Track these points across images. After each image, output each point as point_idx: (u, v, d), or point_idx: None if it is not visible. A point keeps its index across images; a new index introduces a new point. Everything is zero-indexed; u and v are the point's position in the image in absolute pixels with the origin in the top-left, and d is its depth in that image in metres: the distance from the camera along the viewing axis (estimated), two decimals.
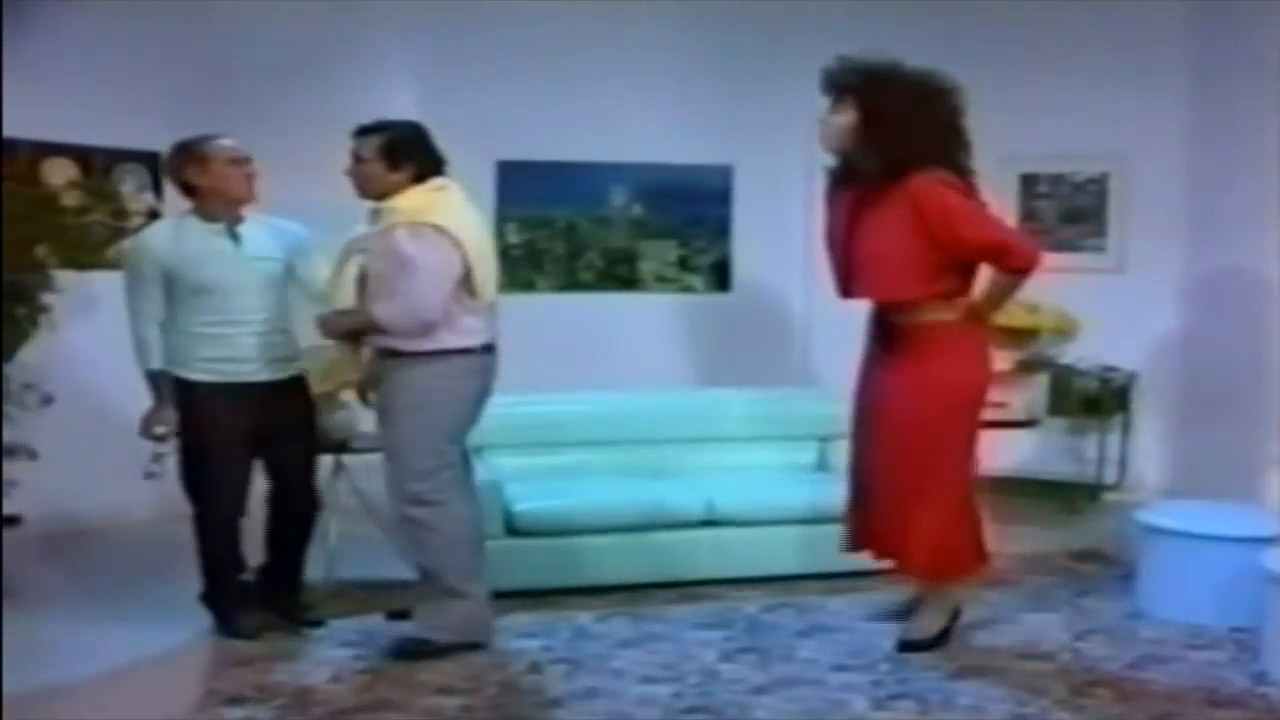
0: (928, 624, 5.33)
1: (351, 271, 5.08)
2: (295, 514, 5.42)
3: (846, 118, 5.07)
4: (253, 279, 5.18)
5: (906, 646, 5.25)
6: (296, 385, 5.33)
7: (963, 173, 5.18)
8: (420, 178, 5.06)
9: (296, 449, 5.38)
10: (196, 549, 5.31)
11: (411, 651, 5.10)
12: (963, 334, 5.15)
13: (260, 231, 5.26)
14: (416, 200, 5.02)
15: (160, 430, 5.16)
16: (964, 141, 5.21)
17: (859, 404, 5.39)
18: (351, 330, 5.11)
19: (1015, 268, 5.06)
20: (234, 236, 5.19)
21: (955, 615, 5.40)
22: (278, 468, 5.36)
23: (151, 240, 5.26)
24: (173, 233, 5.21)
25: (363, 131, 5.11)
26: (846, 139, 5.11)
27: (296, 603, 5.51)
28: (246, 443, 5.23)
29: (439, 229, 4.95)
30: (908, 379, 5.15)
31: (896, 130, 5.01)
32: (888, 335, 5.22)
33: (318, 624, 5.44)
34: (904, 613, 5.48)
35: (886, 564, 5.48)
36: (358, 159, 5.09)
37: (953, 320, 5.12)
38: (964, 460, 5.26)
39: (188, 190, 5.22)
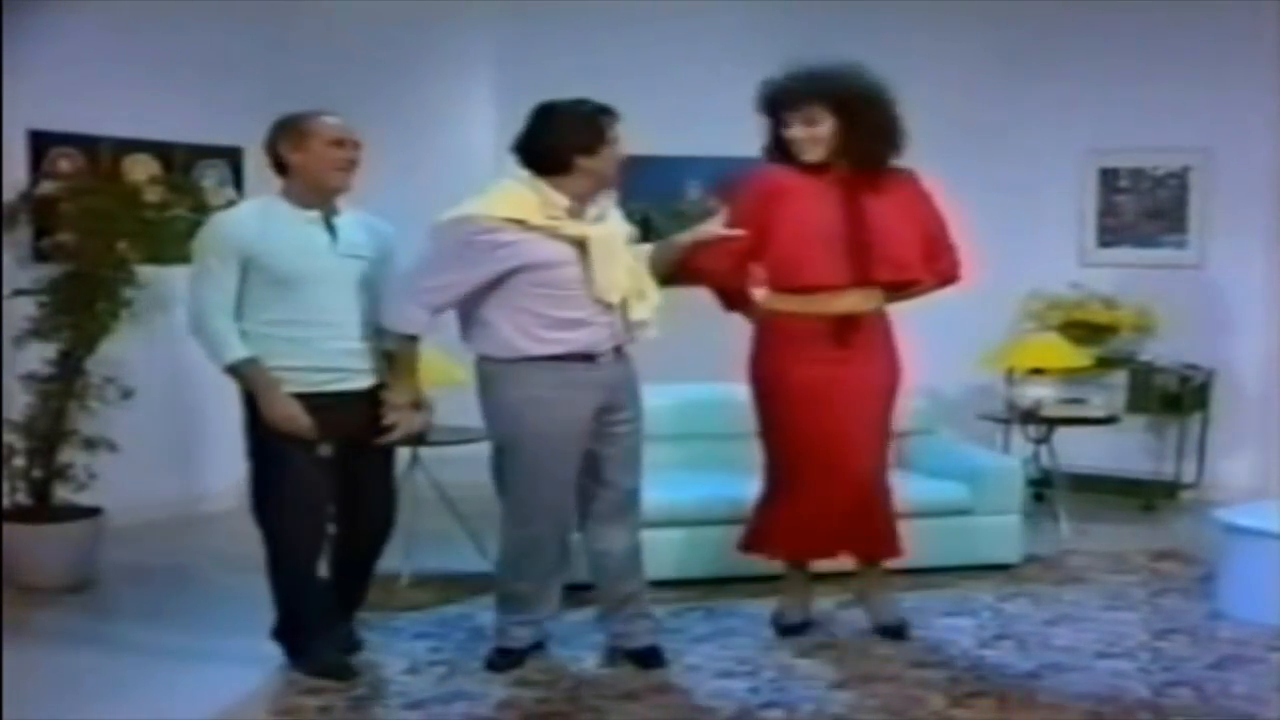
0: (896, 602, 5.40)
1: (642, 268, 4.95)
2: (366, 539, 4.96)
3: (825, 128, 5.03)
4: (344, 277, 4.67)
5: (897, 632, 5.30)
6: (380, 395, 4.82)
7: None
8: None
9: (377, 466, 4.91)
10: (270, 583, 4.81)
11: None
12: (888, 321, 5.25)
13: (355, 226, 4.78)
14: None
15: (304, 430, 4.60)
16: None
17: (806, 401, 5.09)
18: None
19: (951, 275, 5.26)
20: (330, 228, 4.70)
21: None
22: (353, 484, 4.85)
23: (231, 221, 4.73)
24: (258, 215, 4.68)
25: (612, 112, 4.74)
26: (828, 146, 5.05)
27: (349, 634, 5.09)
28: (325, 462, 4.74)
29: None
30: (873, 366, 5.14)
31: (880, 130, 5.08)
32: (839, 328, 5.06)
33: (353, 650, 5.06)
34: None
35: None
36: (619, 144, 4.72)
37: (883, 309, 5.21)
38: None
39: (281, 168, 4.70)
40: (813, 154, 5.06)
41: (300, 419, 4.58)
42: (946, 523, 6.18)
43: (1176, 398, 7.90)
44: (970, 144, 8.13)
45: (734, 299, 5.31)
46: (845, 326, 5.05)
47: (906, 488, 5.91)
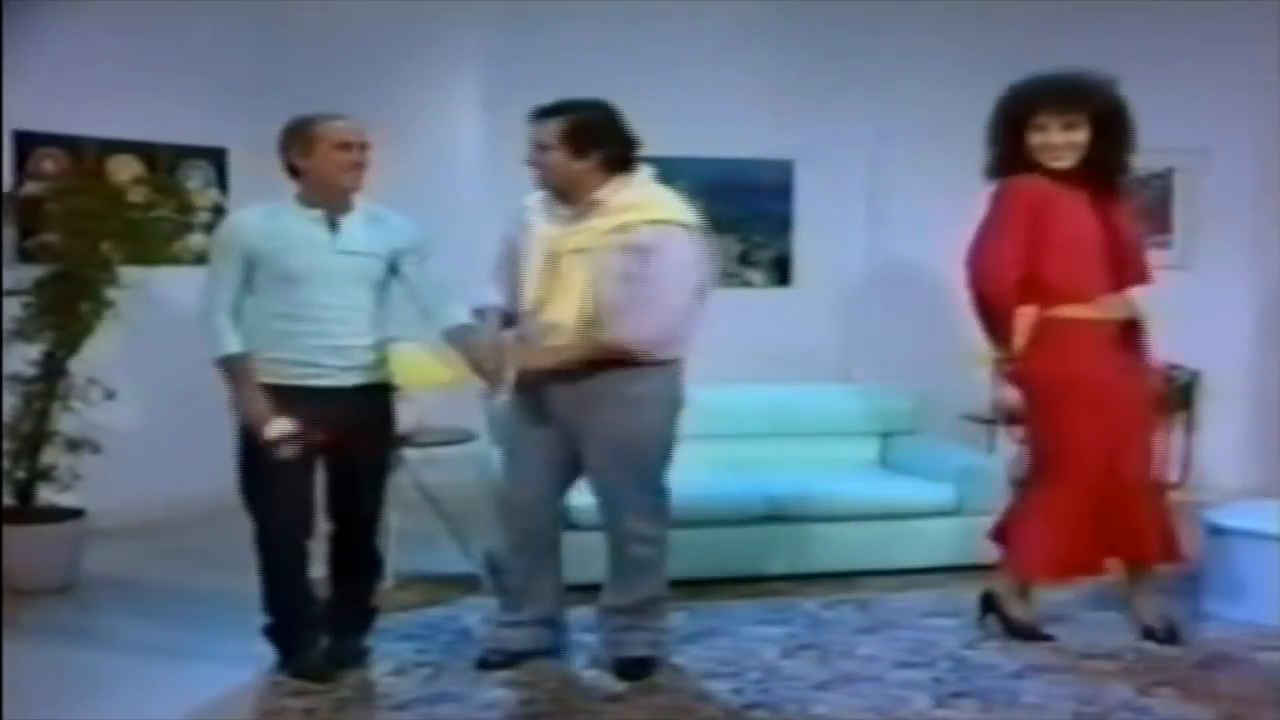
0: (1163, 606, 5.43)
1: (580, 278, 4.61)
2: (355, 540, 4.99)
3: (1083, 134, 5.12)
4: (339, 274, 4.68)
5: (1168, 636, 5.31)
6: (377, 393, 4.84)
7: None
8: (610, 164, 4.67)
9: (364, 465, 4.90)
10: (259, 571, 4.85)
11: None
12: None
13: (365, 224, 4.76)
14: (659, 194, 4.71)
15: (276, 433, 4.59)
16: None
17: (1099, 405, 5.15)
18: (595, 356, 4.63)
19: (1147, 278, 5.32)
20: (332, 226, 4.70)
21: None
22: (340, 484, 4.89)
23: (234, 223, 4.85)
24: (266, 216, 4.72)
25: (542, 114, 4.67)
26: (1081, 154, 5.14)
27: (358, 646, 5.04)
28: (310, 454, 4.73)
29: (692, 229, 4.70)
30: (1147, 371, 5.40)
31: (1126, 143, 5.22)
32: (1125, 332, 5.25)
33: (359, 660, 5.00)
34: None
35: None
36: (539, 146, 4.66)
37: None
38: None
39: (293, 171, 4.74)
40: (1066, 160, 5.13)
41: (264, 423, 4.60)
42: (932, 523, 6.20)
43: (1161, 398, 7.89)
44: (966, 143, 8.12)
45: (1004, 314, 5.24)
46: (1130, 330, 5.23)
47: (892, 488, 5.95)
